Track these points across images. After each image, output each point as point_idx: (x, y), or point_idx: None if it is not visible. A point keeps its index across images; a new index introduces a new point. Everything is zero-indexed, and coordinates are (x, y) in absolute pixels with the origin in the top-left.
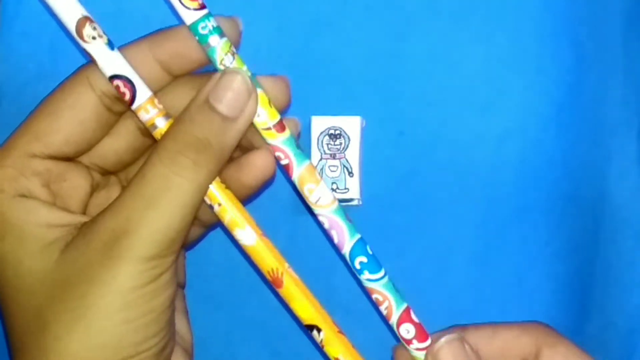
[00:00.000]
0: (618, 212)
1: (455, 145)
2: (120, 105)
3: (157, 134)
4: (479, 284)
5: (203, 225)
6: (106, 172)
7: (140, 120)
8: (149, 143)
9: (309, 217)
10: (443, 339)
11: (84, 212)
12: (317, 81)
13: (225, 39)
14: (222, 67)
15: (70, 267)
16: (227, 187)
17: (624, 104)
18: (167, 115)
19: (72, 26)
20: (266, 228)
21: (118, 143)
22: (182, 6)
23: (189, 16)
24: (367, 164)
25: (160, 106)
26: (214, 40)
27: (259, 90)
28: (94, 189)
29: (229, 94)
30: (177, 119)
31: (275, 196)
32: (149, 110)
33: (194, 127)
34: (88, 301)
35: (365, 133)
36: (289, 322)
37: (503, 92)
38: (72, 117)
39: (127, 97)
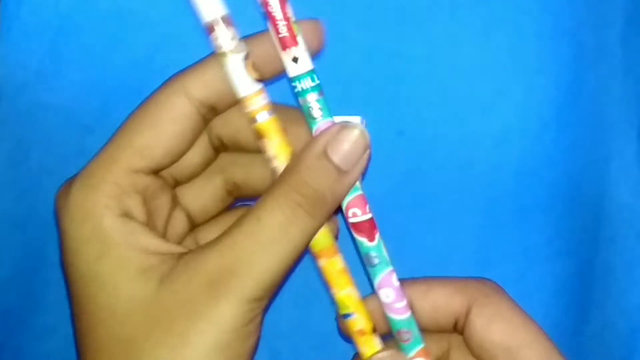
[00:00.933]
0: (618, 212)
1: (455, 145)
2: (212, 113)
3: (256, 127)
4: None
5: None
6: (176, 185)
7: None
8: (214, 158)
9: None
10: (379, 355)
11: (164, 235)
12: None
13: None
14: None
15: (171, 300)
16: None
17: (624, 104)
18: (271, 111)
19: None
20: None
21: (194, 152)
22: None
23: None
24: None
25: (266, 100)
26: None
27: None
28: (172, 208)
29: (347, 147)
30: (294, 166)
31: None
32: (255, 102)
33: (311, 178)
34: (188, 338)
35: None
36: (289, 322)
37: (503, 92)
38: (174, 129)
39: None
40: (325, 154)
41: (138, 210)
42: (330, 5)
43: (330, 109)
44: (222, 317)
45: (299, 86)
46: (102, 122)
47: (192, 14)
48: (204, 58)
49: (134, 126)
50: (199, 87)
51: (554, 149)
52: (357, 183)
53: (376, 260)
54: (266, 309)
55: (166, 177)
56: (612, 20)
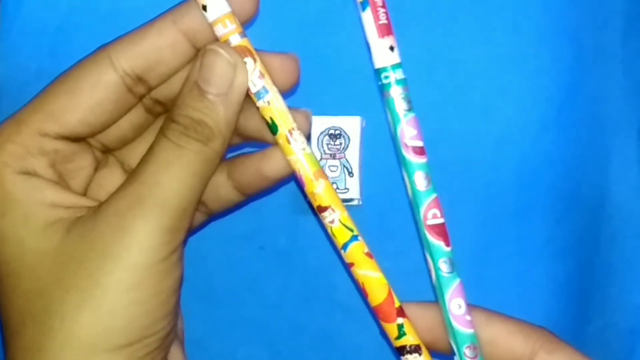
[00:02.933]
0: (618, 212)
1: (455, 145)
2: (141, 86)
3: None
4: (478, 284)
5: (207, 211)
6: (107, 150)
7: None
8: (152, 120)
9: (309, 217)
10: None
11: (85, 193)
12: (317, 81)
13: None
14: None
15: (79, 244)
16: (247, 176)
17: (623, 104)
18: (243, 34)
19: None
20: (266, 228)
21: (124, 121)
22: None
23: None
24: (367, 164)
25: (234, 25)
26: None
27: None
28: (96, 168)
29: (214, 73)
30: (175, 104)
31: (276, 196)
32: (227, 25)
33: (188, 110)
34: (98, 278)
35: (365, 133)
36: (289, 322)
37: (503, 92)
38: (92, 97)
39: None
40: (196, 85)
41: (44, 170)
42: (331, 5)
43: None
44: (132, 253)
45: (389, 78)
46: None
47: None
48: (136, 28)
49: (51, 91)
50: (126, 56)
51: (554, 149)
52: (433, 183)
53: (449, 268)
54: (181, 247)
55: (91, 142)
56: (612, 20)
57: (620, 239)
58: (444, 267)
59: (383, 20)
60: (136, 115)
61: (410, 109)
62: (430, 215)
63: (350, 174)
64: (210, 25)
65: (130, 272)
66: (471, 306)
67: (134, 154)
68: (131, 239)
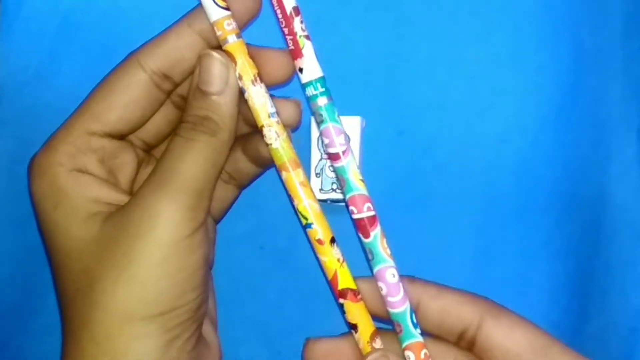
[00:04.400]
0: (618, 212)
1: (455, 145)
2: (167, 82)
3: (227, 47)
4: (478, 284)
5: (237, 184)
6: (148, 148)
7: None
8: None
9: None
10: (369, 358)
11: (131, 189)
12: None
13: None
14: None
15: (114, 230)
16: (254, 152)
17: (623, 104)
18: (238, 35)
19: None
20: (266, 228)
21: (158, 116)
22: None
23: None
24: (367, 164)
25: (233, 25)
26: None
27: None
28: (140, 165)
29: (211, 74)
30: (186, 107)
31: (276, 196)
32: (225, 28)
33: (194, 110)
34: (130, 256)
35: (365, 133)
36: (289, 322)
37: (503, 92)
38: (127, 96)
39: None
40: (197, 88)
41: (94, 167)
42: (331, 5)
43: (337, 112)
44: (158, 231)
45: (307, 92)
46: None
47: None
48: (159, 33)
49: (93, 96)
50: (152, 57)
51: (554, 149)
52: (361, 184)
53: (373, 255)
54: (204, 227)
55: (134, 140)
56: (612, 20)
57: (620, 239)
58: (368, 254)
59: (290, 46)
60: (168, 111)
61: (329, 119)
62: (350, 210)
63: None
64: (214, 24)
65: (158, 249)
66: (423, 282)
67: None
68: (156, 218)
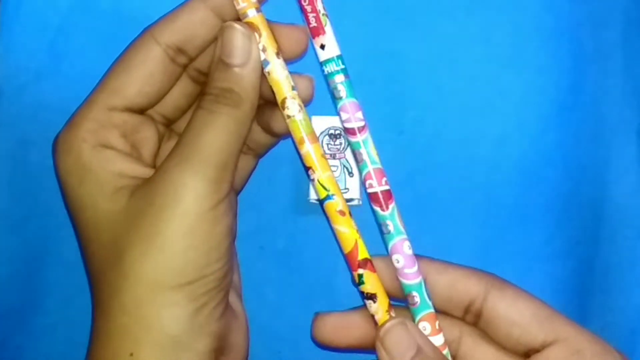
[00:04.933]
0: (618, 212)
1: (455, 145)
2: (182, 56)
3: (250, 20)
4: None
5: (254, 154)
6: (168, 122)
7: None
8: (199, 89)
9: (309, 217)
10: (388, 324)
11: (154, 163)
12: (317, 81)
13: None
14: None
15: (141, 203)
16: (267, 123)
17: (624, 104)
18: (258, 9)
19: None
20: (266, 228)
21: (176, 91)
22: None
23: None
24: None
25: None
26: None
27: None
28: (161, 140)
29: (234, 46)
30: (208, 79)
31: (275, 196)
32: (241, 1)
33: (217, 82)
34: (158, 228)
35: None
36: (289, 322)
37: (503, 92)
38: (144, 70)
39: None
40: (220, 60)
41: (117, 141)
42: (331, 5)
43: (354, 90)
44: (183, 203)
45: (327, 69)
46: None
47: None
48: (173, 9)
49: (111, 72)
50: (166, 32)
51: (554, 149)
52: (378, 159)
53: (389, 228)
54: (228, 199)
55: (155, 116)
56: (612, 20)
57: (620, 239)
58: (383, 227)
59: (313, 23)
60: (185, 85)
61: (348, 95)
62: (367, 184)
63: (350, 174)
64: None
65: (184, 220)
66: (429, 259)
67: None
68: (182, 191)
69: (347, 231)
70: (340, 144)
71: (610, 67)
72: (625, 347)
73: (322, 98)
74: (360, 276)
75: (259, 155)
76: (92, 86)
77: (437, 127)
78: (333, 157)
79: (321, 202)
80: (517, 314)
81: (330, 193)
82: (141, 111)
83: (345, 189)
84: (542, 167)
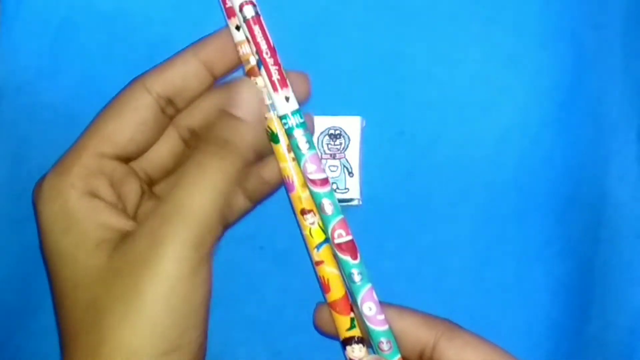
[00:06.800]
0: (618, 212)
1: (455, 145)
2: (171, 108)
3: (249, 69)
4: (478, 284)
5: (251, 199)
6: (151, 182)
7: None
8: (188, 152)
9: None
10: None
11: (136, 218)
12: (317, 81)
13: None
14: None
15: (122, 260)
16: (252, 183)
17: (624, 104)
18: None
19: None
20: (266, 228)
21: (164, 148)
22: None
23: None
24: (367, 164)
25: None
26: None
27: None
28: (142, 197)
29: (241, 99)
30: (207, 128)
31: (276, 196)
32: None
33: (215, 129)
34: (138, 289)
35: (365, 133)
36: (289, 322)
37: (503, 92)
38: (136, 118)
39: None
40: (225, 109)
41: (105, 191)
42: (331, 5)
43: (314, 143)
44: (165, 264)
45: (289, 122)
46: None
47: (191, 14)
48: (165, 60)
49: (102, 118)
50: (158, 83)
51: (554, 149)
52: (338, 206)
53: (359, 277)
54: (209, 261)
55: (139, 172)
56: (612, 20)
57: (620, 239)
58: (354, 277)
59: (276, 76)
60: (175, 144)
61: (310, 147)
62: (337, 235)
63: (350, 174)
64: (237, 45)
65: (165, 282)
66: (386, 304)
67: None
68: (163, 252)
69: (339, 274)
70: (340, 144)
71: (610, 67)
72: (625, 347)
73: (322, 98)
74: (352, 320)
75: (255, 202)
76: (92, 86)
77: (437, 127)
78: (333, 157)
79: (318, 246)
80: None
81: (327, 237)
82: (128, 160)
83: (346, 189)
84: (542, 167)
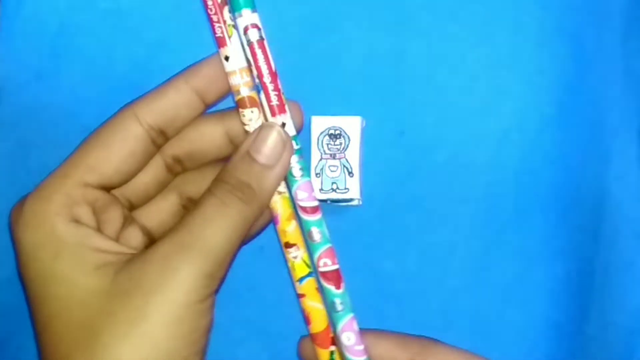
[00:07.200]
0: (618, 212)
1: (455, 145)
2: (162, 138)
3: (239, 99)
4: (478, 284)
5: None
6: (131, 208)
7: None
8: (170, 179)
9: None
10: None
11: (118, 242)
12: (317, 81)
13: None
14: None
15: (128, 283)
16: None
17: (624, 104)
18: (253, 88)
19: None
20: (266, 228)
21: (147, 175)
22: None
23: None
24: (367, 164)
25: (248, 78)
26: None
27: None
28: (123, 224)
29: (266, 146)
30: (226, 165)
31: None
32: (243, 77)
33: (238, 172)
34: (145, 311)
35: (365, 133)
36: (289, 322)
37: (503, 92)
38: (124, 148)
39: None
40: (247, 153)
41: (88, 218)
42: (331, 5)
43: (309, 169)
44: (175, 291)
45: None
46: (102, 122)
47: (191, 14)
48: (154, 88)
49: (88, 146)
50: (149, 112)
51: (554, 149)
52: (327, 235)
53: (341, 307)
54: (216, 292)
55: (120, 198)
56: (612, 20)
57: (620, 239)
58: (336, 306)
59: (275, 101)
60: (158, 171)
61: (304, 175)
62: (322, 263)
63: (350, 174)
64: (227, 75)
65: (173, 308)
66: (364, 330)
67: (152, 216)
68: (176, 279)
69: (322, 308)
70: (341, 144)
71: (610, 67)
72: (625, 347)
73: (322, 98)
74: (332, 353)
75: (254, 235)
76: (92, 86)
77: (437, 127)
78: (333, 157)
79: (301, 279)
80: None
81: (310, 271)
82: (111, 189)
83: (345, 189)
84: (542, 167)
